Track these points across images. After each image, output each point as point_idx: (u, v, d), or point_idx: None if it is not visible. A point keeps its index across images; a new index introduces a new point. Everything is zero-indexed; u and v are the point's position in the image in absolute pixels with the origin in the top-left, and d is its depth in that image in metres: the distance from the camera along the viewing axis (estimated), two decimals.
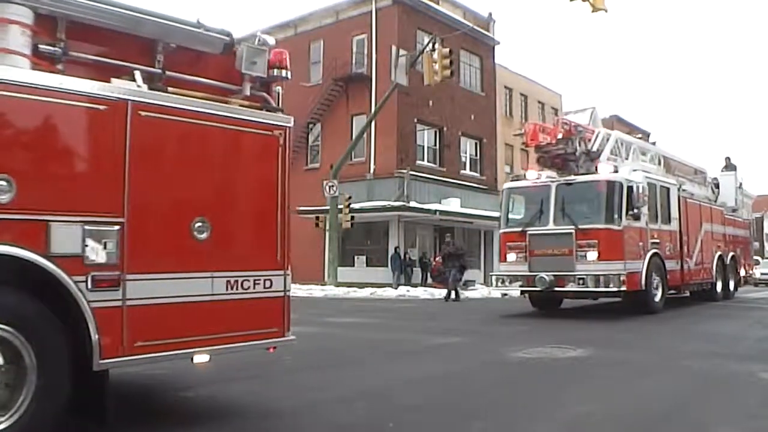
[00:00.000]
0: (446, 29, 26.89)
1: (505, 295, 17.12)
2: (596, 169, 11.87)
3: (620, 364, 6.60)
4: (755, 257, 38.52)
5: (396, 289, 22.19)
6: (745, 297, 18.46)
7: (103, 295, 3.43)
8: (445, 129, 30.54)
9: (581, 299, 13.00)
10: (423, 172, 28.44)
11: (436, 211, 26.36)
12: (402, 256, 25.74)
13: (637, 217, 11.39)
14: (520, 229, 11.89)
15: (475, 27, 31.74)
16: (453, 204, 28.06)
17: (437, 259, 27.04)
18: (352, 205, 23.45)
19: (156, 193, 3.75)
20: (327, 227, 23.57)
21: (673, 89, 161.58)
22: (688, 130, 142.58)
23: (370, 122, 24.75)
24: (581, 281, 10.84)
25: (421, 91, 26.31)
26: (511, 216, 12.57)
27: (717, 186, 17.83)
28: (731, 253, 16.71)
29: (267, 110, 4.45)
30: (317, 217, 24.31)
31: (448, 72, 20.13)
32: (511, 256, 11.98)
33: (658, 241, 12.15)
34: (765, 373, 5.79)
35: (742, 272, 18.08)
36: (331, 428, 4.11)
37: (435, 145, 30.50)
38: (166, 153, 3.88)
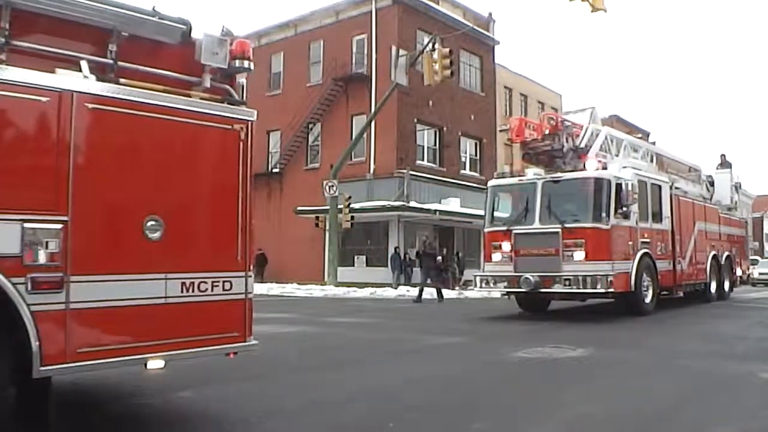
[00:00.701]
0: (446, 29, 26.88)
1: (506, 295, 16.94)
2: (584, 166, 11.49)
3: (620, 364, 6.61)
4: (755, 257, 38.52)
5: (396, 289, 22.17)
6: (745, 297, 18.44)
7: (44, 298, 3.23)
8: (445, 129, 30.54)
9: (569, 300, 12.70)
10: (423, 172, 28.44)
11: (436, 211, 26.36)
12: (402, 256, 25.73)
13: (626, 216, 11.03)
14: (505, 228, 11.54)
15: (475, 27, 31.74)
16: (453, 204, 28.04)
17: (437, 259, 27.05)
18: (352, 205, 23.44)
19: (104, 189, 3.56)
20: (327, 227, 23.56)
21: (673, 89, 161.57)
22: (689, 130, 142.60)
23: (370, 122, 24.75)
24: (567, 282, 10.46)
25: (421, 91, 26.31)
26: (496, 214, 12.26)
27: (712, 184, 17.45)
28: (726, 253, 16.33)
29: (229, 103, 4.27)
30: (317, 217, 24.32)
31: (448, 72, 20.13)
32: (496, 256, 11.60)
33: (648, 240, 11.78)
34: (765, 373, 5.79)
35: (738, 272, 17.73)
36: (331, 428, 4.11)
37: (435, 145, 30.50)
38: (116, 147, 3.66)
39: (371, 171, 28.13)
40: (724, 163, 18.73)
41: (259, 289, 22.81)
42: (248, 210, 4.19)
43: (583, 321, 11.30)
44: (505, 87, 36.39)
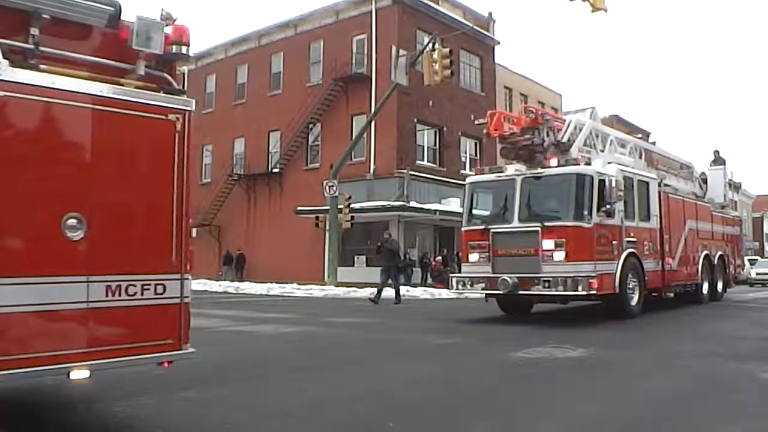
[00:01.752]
0: (446, 29, 26.87)
1: (485, 298, 16.27)
2: (565, 162, 10.88)
3: (620, 364, 6.61)
4: (754, 257, 38.42)
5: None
6: (744, 297, 18.40)
7: None
8: (445, 129, 30.54)
9: (550, 303, 12.01)
10: (423, 172, 28.45)
11: (436, 211, 26.36)
12: (402, 257, 25.74)
13: (610, 214, 10.44)
14: (482, 227, 10.92)
15: (475, 27, 31.75)
16: (453, 204, 28.01)
17: (437, 259, 27.06)
18: (352, 205, 23.44)
19: (17, 184, 3.28)
20: (327, 227, 23.56)
21: (673, 89, 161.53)
22: (689, 130, 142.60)
23: (370, 122, 24.75)
24: (547, 284, 9.87)
25: (421, 91, 26.30)
26: (474, 212, 11.64)
27: (705, 181, 16.85)
28: (719, 252, 15.74)
29: (167, 92, 3.99)
30: (317, 217, 24.32)
31: (448, 72, 20.12)
32: (474, 256, 10.97)
33: (635, 239, 11.22)
34: (765, 373, 5.79)
35: (732, 272, 17.13)
36: (331, 428, 4.11)
37: (435, 145, 30.50)
38: (33, 138, 3.41)
39: (371, 171, 28.13)
40: (718, 160, 18.14)
41: (259, 289, 22.86)
42: (185, 207, 3.92)
43: (583, 321, 11.28)
44: (505, 87, 36.39)
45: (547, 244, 10.00)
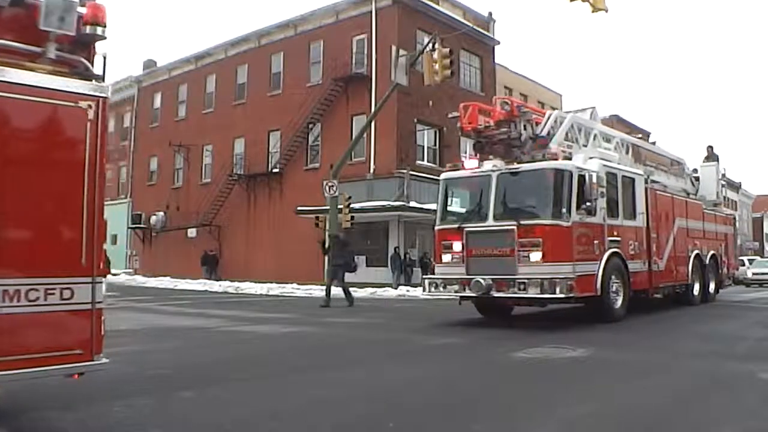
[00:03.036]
0: (446, 29, 26.85)
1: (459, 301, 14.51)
2: (543, 156, 10.16)
3: (620, 364, 6.61)
4: (753, 257, 38.28)
5: (396, 289, 22.18)
6: (742, 298, 18.36)
7: None
8: (445, 129, 30.50)
9: (529, 306, 11.15)
10: (423, 172, 28.41)
11: (436, 211, 26.34)
12: (402, 256, 25.73)
13: (591, 212, 9.82)
14: (456, 225, 10.34)
15: (475, 27, 31.74)
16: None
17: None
18: (352, 205, 23.43)
19: None
20: (327, 227, 23.56)
21: (674, 89, 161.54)
22: (689, 130, 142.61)
23: (370, 122, 24.73)
24: (522, 286, 9.26)
25: (421, 91, 26.28)
26: (448, 210, 11.05)
27: (697, 178, 16.21)
28: (711, 252, 15.05)
29: (83, 78, 3.68)
30: (317, 217, 24.28)
31: (448, 72, 20.10)
32: (447, 257, 10.39)
33: (618, 238, 10.60)
34: (765, 373, 5.79)
35: (725, 272, 16.42)
36: (332, 428, 4.11)
37: (435, 145, 30.49)
38: None
39: (371, 171, 28.13)
40: (711, 156, 17.35)
41: (259, 289, 22.88)
42: (98, 203, 3.59)
43: (582, 321, 11.25)
44: (505, 87, 36.38)
45: (523, 243, 9.47)
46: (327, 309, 14.29)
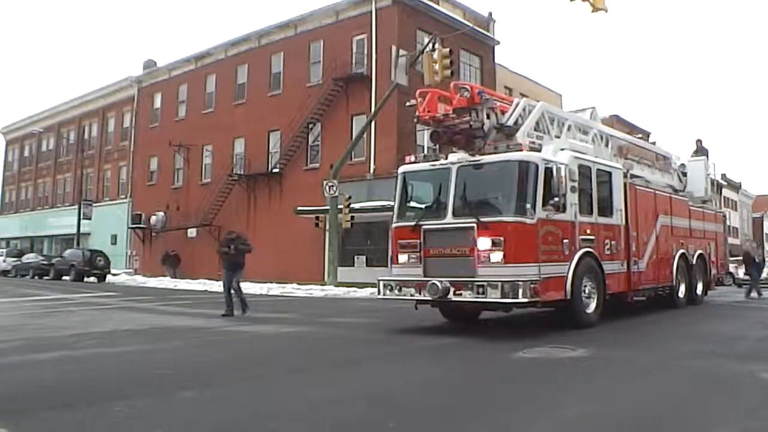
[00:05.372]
0: (446, 29, 26.87)
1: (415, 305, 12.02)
2: (507, 147, 9.28)
3: (620, 364, 6.61)
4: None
5: None
6: (741, 298, 18.27)
7: None
8: None
9: (492, 311, 10.26)
10: None
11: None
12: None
13: (559, 208, 8.96)
14: (413, 223, 9.47)
15: (475, 27, 31.75)
16: None
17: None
18: (352, 205, 23.46)
19: None
20: (327, 227, 23.58)
21: (674, 89, 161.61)
22: (690, 130, 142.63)
23: (370, 122, 24.76)
24: (480, 289, 8.41)
25: None
26: (407, 206, 10.15)
27: (685, 174, 15.35)
28: (699, 251, 14.21)
29: None
30: (317, 217, 24.33)
31: (448, 72, 20.10)
32: (403, 257, 9.50)
33: (592, 237, 9.80)
34: (765, 373, 5.79)
35: (715, 272, 15.66)
36: (331, 428, 4.11)
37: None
38: None
39: (371, 171, 28.14)
40: (700, 150, 16.64)
41: (259, 289, 22.85)
42: None
43: None
44: (505, 87, 36.37)
45: (483, 242, 8.61)
46: (326, 309, 14.24)
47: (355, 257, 28.07)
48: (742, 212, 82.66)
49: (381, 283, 9.84)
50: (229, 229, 15.87)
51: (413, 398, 4.97)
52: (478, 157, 9.38)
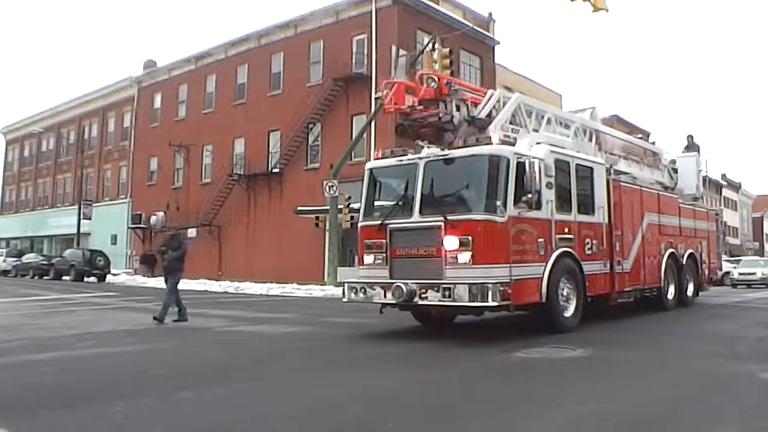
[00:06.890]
0: (446, 29, 26.88)
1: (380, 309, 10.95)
2: (478, 141, 8.74)
3: (620, 364, 6.61)
4: (754, 257, 38.14)
5: None
6: (740, 298, 18.29)
7: None
8: None
9: (463, 315, 9.67)
10: None
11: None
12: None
13: (533, 205, 8.44)
14: (379, 222, 8.93)
15: (475, 27, 31.75)
16: None
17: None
18: (352, 205, 23.44)
19: None
20: (327, 227, 23.58)
21: (674, 89, 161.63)
22: (690, 130, 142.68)
23: (370, 122, 24.75)
24: (447, 292, 7.89)
25: None
26: (374, 204, 9.58)
27: (676, 170, 14.85)
28: (689, 251, 13.62)
29: None
30: (317, 217, 24.33)
31: (448, 72, 20.07)
32: (369, 258, 9.05)
33: (571, 236, 9.27)
34: (765, 373, 5.79)
35: (706, 272, 15.07)
36: (331, 428, 4.12)
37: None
38: None
39: None
40: (691, 146, 16.10)
41: (259, 289, 22.88)
42: None
43: (582, 321, 11.26)
44: (505, 87, 36.27)
45: (450, 242, 8.11)
46: (326, 309, 14.24)
47: (356, 257, 28.05)
48: (742, 212, 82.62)
49: (346, 285, 9.39)
50: (170, 226, 14.84)
51: (412, 398, 4.97)
52: (446, 152, 8.96)
